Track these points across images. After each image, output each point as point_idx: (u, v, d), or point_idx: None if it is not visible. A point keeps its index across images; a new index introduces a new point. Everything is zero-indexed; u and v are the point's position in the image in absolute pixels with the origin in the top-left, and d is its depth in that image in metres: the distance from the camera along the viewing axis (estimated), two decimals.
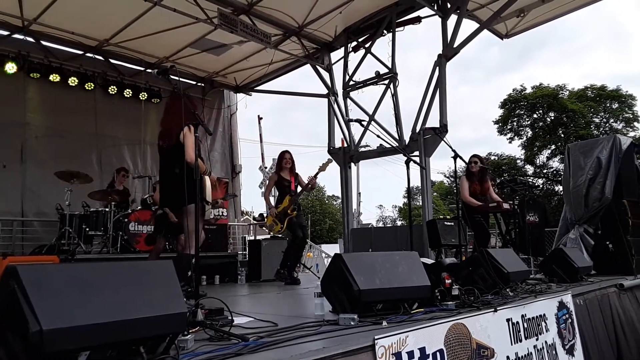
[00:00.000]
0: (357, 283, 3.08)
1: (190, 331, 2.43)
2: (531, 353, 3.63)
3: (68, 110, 9.15)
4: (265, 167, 20.04)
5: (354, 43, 9.85)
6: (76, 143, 9.15)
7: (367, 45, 9.58)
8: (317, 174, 6.74)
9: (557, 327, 4.12)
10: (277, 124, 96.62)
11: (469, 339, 3.06)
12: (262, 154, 20.28)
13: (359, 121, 5.89)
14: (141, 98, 9.93)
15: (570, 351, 4.20)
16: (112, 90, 9.58)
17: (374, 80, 9.45)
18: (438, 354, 2.78)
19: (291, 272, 6.82)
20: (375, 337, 2.43)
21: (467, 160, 6.25)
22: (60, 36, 8.84)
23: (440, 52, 8.29)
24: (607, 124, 27.19)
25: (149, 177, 8.91)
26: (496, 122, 29.45)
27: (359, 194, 29.56)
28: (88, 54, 9.43)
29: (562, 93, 27.26)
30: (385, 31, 9.28)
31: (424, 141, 8.33)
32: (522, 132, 28.99)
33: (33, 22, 8.28)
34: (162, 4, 7.30)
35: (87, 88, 9.25)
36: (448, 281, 3.61)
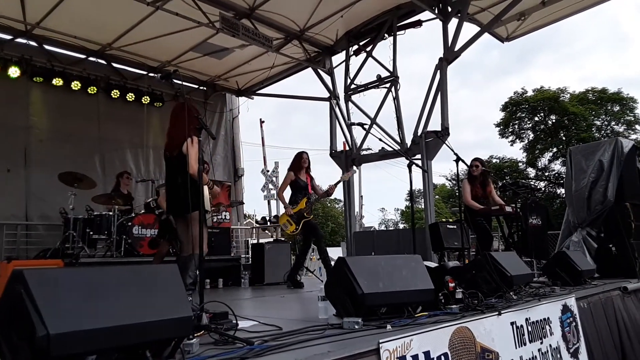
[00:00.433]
0: (360, 286, 3.07)
1: (195, 335, 2.44)
2: (535, 356, 3.63)
3: (71, 114, 9.18)
4: (268, 171, 20.03)
5: (355, 47, 9.87)
6: (79, 147, 9.18)
7: (368, 49, 9.60)
8: (338, 182, 6.63)
9: (561, 330, 4.12)
10: (278, 127, 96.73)
11: (473, 343, 3.06)
12: (264, 158, 20.28)
13: (361, 125, 5.85)
14: (144, 102, 9.96)
15: (574, 354, 4.19)
16: (115, 94, 9.61)
17: (376, 83, 9.47)
18: (442, 357, 2.78)
19: (294, 275, 6.81)
20: (380, 340, 2.43)
21: (468, 164, 6.26)
22: (63, 40, 8.88)
23: (442, 56, 8.30)
24: (609, 127, 27.18)
25: (151, 180, 8.91)
26: (497, 125, 29.48)
27: (361, 197, 29.50)
28: (91, 58, 9.46)
29: (563, 96, 27.27)
30: (386, 35, 9.30)
31: (425, 144, 8.33)
32: (524, 135, 29.00)
33: (36, 27, 8.32)
34: (165, 8, 7.33)
35: (90, 92, 9.27)
36: (452, 284, 3.61)
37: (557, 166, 27.93)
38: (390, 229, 44.59)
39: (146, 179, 9.21)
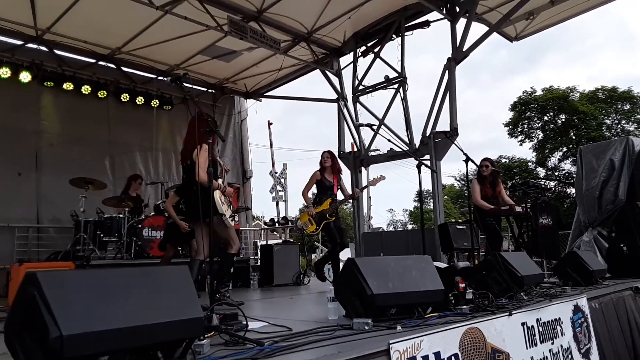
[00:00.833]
0: (370, 287, 3.08)
1: (206, 336, 2.45)
2: (547, 357, 3.60)
3: (81, 118, 9.26)
4: (276, 172, 20.04)
5: (363, 48, 9.86)
6: (90, 150, 9.26)
7: (376, 50, 9.59)
8: (365, 187, 6.55)
9: (572, 330, 4.09)
10: (286, 129, 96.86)
11: (484, 343, 3.05)
12: (273, 159, 20.28)
13: (370, 126, 5.85)
14: (153, 105, 10.03)
15: (586, 355, 4.16)
16: (125, 97, 9.68)
17: (384, 84, 9.46)
18: (453, 358, 2.77)
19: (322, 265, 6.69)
20: (390, 341, 2.43)
21: (478, 164, 6.22)
22: (73, 45, 8.96)
23: (450, 56, 8.27)
24: (619, 126, 26.91)
25: (161, 183, 8.99)
26: (507, 125, 29.27)
27: (369, 197, 29.47)
28: (100, 62, 9.54)
29: (572, 95, 27.02)
30: (394, 35, 9.29)
31: (434, 145, 8.30)
32: (533, 135, 28.77)
33: (46, 32, 8.40)
34: (173, 12, 7.37)
35: (100, 96, 9.36)
36: (462, 285, 3.60)
37: (567, 165, 27.70)
38: (399, 229, 44.48)
39: (155, 181, 9.28)
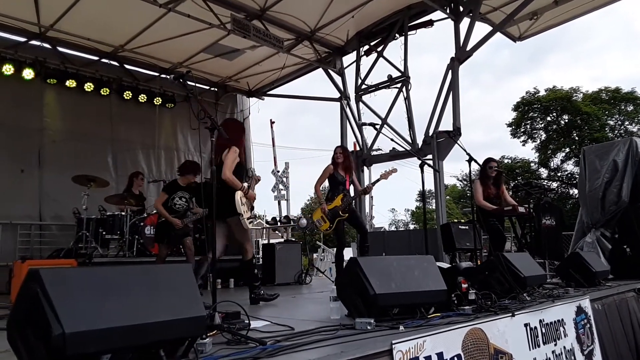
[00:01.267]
0: (372, 287, 3.06)
1: (209, 335, 2.44)
2: (550, 358, 3.59)
3: (84, 115, 9.27)
4: (278, 171, 20.03)
5: (366, 47, 9.86)
6: (92, 148, 9.26)
7: (379, 49, 9.59)
8: (377, 181, 6.16)
9: (575, 332, 4.07)
10: (288, 128, 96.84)
11: (487, 344, 3.04)
12: (275, 158, 20.26)
13: (373, 125, 5.84)
14: (155, 103, 10.04)
15: (589, 356, 4.15)
16: (127, 95, 9.69)
17: (387, 83, 9.46)
18: (456, 358, 2.76)
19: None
20: (393, 341, 2.42)
21: (481, 164, 6.18)
22: (76, 42, 8.97)
23: (453, 56, 8.26)
24: (622, 127, 26.87)
25: (163, 181, 8.97)
26: (509, 125, 29.25)
27: (371, 197, 29.45)
28: (103, 60, 9.54)
29: (575, 95, 26.99)
30: (397, 35, 9.28)
31: (437, 144, 8.29)
32: (536, 135, 28.76)
33: (50, 29, 8.41)
34: (176, 10, 7.37)
35: (102, 93, 9.36)
36: (464, 285, 3.59)
37: (569, 166, 27.69)
38: (401, 229, 44.46)
39: (157, 179, 9.28)
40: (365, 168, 9.96)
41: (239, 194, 4.68)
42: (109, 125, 9.66)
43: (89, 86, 9.14)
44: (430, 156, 8.37)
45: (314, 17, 8.85)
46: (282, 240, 9.78)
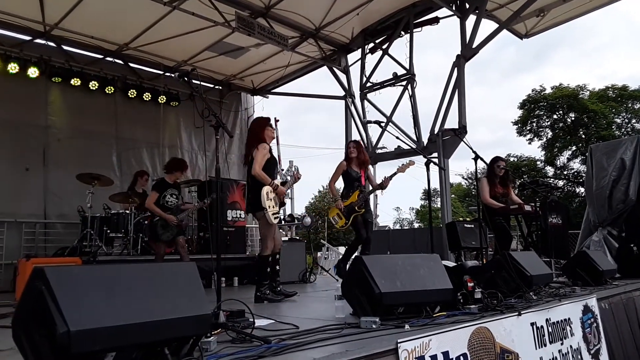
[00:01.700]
0: (378, 286, 3.05)
1: (213, 333, 2.44)
2: (556, 357, 3.56)
3: (89, 114, 9.28)
4: (282, 169, 20.04)
5: (371, 44, 9.82)
6: (97, 146, 9.28)
7: (384, 47, 9.55)
8: (394, 174, 5.93)
9: (582, 331, 4.04)
10: (292, 126, 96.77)
11: (493, 343, 3.02)
12: (279, 156, 20.28)
13: (378, 123, 5.76)
14: (160, 101, 10.04)
15: (595, 356, 4.12)
16: (132, 93, 9.70)
17: (392, 81, 9.42)
18: (462, 358, 2.74)
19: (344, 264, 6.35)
20: (398, 340, 2.40)
21: (487, 162, 6.13)
22: (81, 41, 8.98)
23: (459, 53, 8.21)
24: (629, 125, 26.72)
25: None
26: (515, 123, 29.14)
27: (375, 196, 29.44)
28: (108, 58, 9.55)
29: (582, 93, 26.85)
30: (402, 32, 9.24)
31: (442, 142, 8.26)
32: (542, 133, 28.62)
33: (54, 27, 8.43)
34: (181, 7, 7.37)
35: (107, 92, 9.36)
36: (470, 284, 3.56)
37: (576, 164, 27.55)
38: (406, 228, 44.40)
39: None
40: (370, 166, 9.92)
41: (265, 189, 4.75)
42: (113, 124, 9.67)
43: (93, 84, 9.15)
44: (435, 154, 8.34)
45: (319, 14, 8.82)
46: (286, 238, 9.77)
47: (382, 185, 5.97)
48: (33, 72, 8.44)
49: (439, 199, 8.97)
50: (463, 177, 39.80)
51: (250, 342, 2.46)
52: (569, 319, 3.93)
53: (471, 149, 5.09)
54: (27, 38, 8.59)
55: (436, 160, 8.09)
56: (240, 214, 9.06)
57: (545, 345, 3.51)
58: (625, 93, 26.48)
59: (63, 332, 1.65)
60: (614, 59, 67.09)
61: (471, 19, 8.15)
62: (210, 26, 8.04)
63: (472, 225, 7.26)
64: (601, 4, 8.57)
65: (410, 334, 2.56)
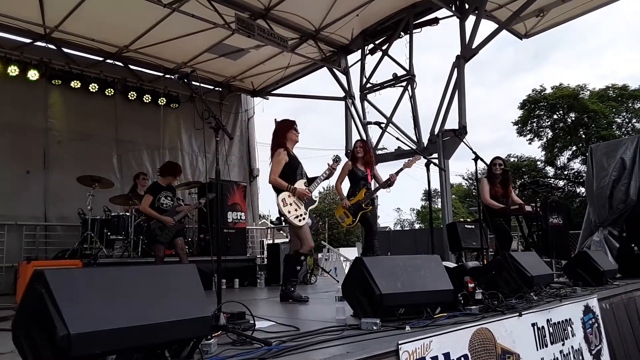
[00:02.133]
0: (378, 287, 3.04)
1: (214, 335, 2.43)
2: (557, 358, 3.56)
3: (89, 116, 9.29)
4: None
5: (371, 45, 9.83)
6: (97, 148, 9.29)
7: (384, 48, 9.55)
8: (400, 170, 5.93)
9: (583, 331, 4.04)
10: None
11: (494, 344, 3.01)
12: None
13: (378, 123, 5.75)
14: (160, 103, 10.05)
15: (597, 356, 4.11)
16: (132, 95, 9.71)
17: (392, 82, 9.42)
18: (463, 359, 2.74)
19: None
20: (399, 342, 2.40)
21: (487, 162, 6.13)
22: (81, 43, 8.99)
23: (459, 54, 8.22)
24: (630, 124, 26.69)
25: None
26: (515, 123, 29.12)
27: (376, 196, 29.40)
28: (108, 61, 9.56)
29: (582, 93, 26.83)
30: (402, 33, 9.25)
31: (443, 143, 8.26)
32: (542, 133, 28.59)
33: (54, 30, 8.44)
34: (181, 10, 7.37)
35: (107, 94, 9.37)
36: (471, 285, 3.56)
37: (576, 165, 27.53)
38: (406, 228, 44.36)
39: None
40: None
41: (281, 196, 4.80)
42: (113, 126, 9.68)
43: (93, 87, 9.16)
44: (435, 155, 8.34)
45: (319, 16, 8.83)
46: (287, 240, 9.77)
47: (390, 181, 5.94)
48: (33, 74, 8.46)
49: (439, 199, 8.97)
50: (463, 178, 39.77)
51: (251, 344, 2.46)
52: (570, 319, 3.93)
53: (471, 149, 5.09)
54: (27, 41, 8.60)
55: (436, 160, 8.09)
56: (240, 216, 9.06)
57: (546, 346, 3.50)
58: (625, 93, 26.46)
59: (63, 335, 1.65)
60: (614, 58, 67.12)
61: (471, 20, 8.17)
62: (210, 28, 8.05)
63: (473, 226, 7.26)
64: (601, 4, 8.57)
65: (411, 335, 2.55)
